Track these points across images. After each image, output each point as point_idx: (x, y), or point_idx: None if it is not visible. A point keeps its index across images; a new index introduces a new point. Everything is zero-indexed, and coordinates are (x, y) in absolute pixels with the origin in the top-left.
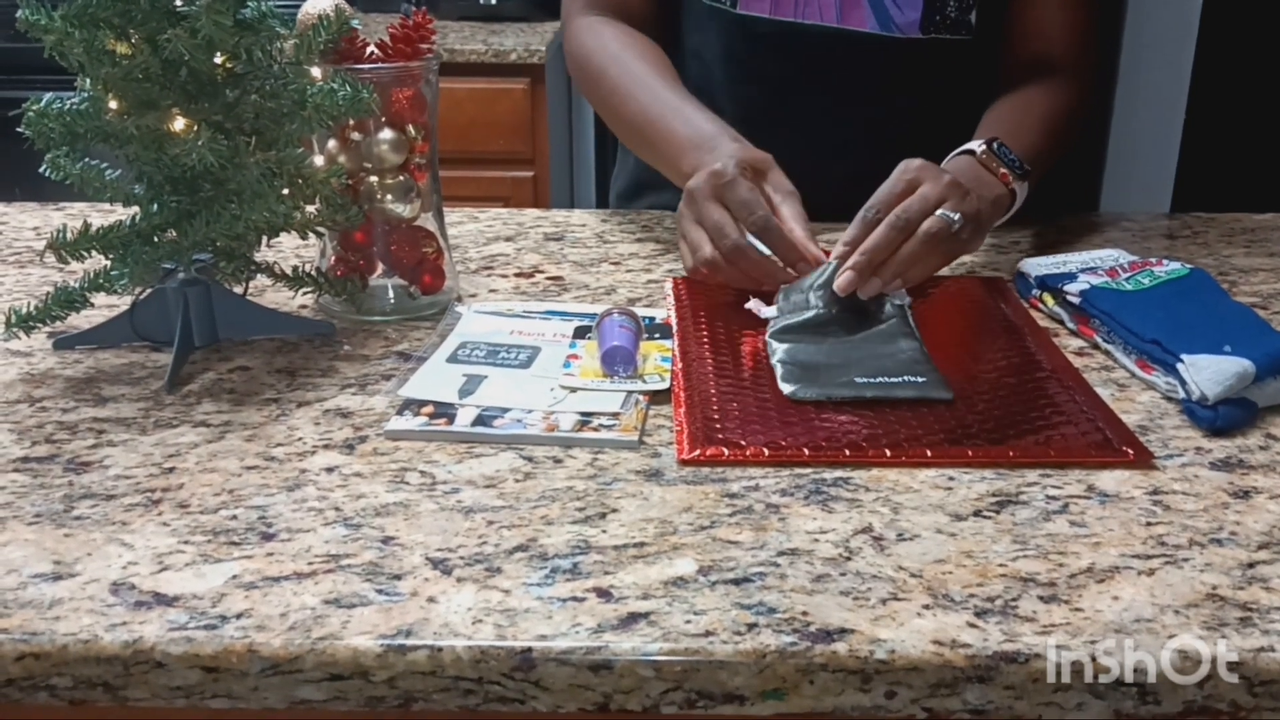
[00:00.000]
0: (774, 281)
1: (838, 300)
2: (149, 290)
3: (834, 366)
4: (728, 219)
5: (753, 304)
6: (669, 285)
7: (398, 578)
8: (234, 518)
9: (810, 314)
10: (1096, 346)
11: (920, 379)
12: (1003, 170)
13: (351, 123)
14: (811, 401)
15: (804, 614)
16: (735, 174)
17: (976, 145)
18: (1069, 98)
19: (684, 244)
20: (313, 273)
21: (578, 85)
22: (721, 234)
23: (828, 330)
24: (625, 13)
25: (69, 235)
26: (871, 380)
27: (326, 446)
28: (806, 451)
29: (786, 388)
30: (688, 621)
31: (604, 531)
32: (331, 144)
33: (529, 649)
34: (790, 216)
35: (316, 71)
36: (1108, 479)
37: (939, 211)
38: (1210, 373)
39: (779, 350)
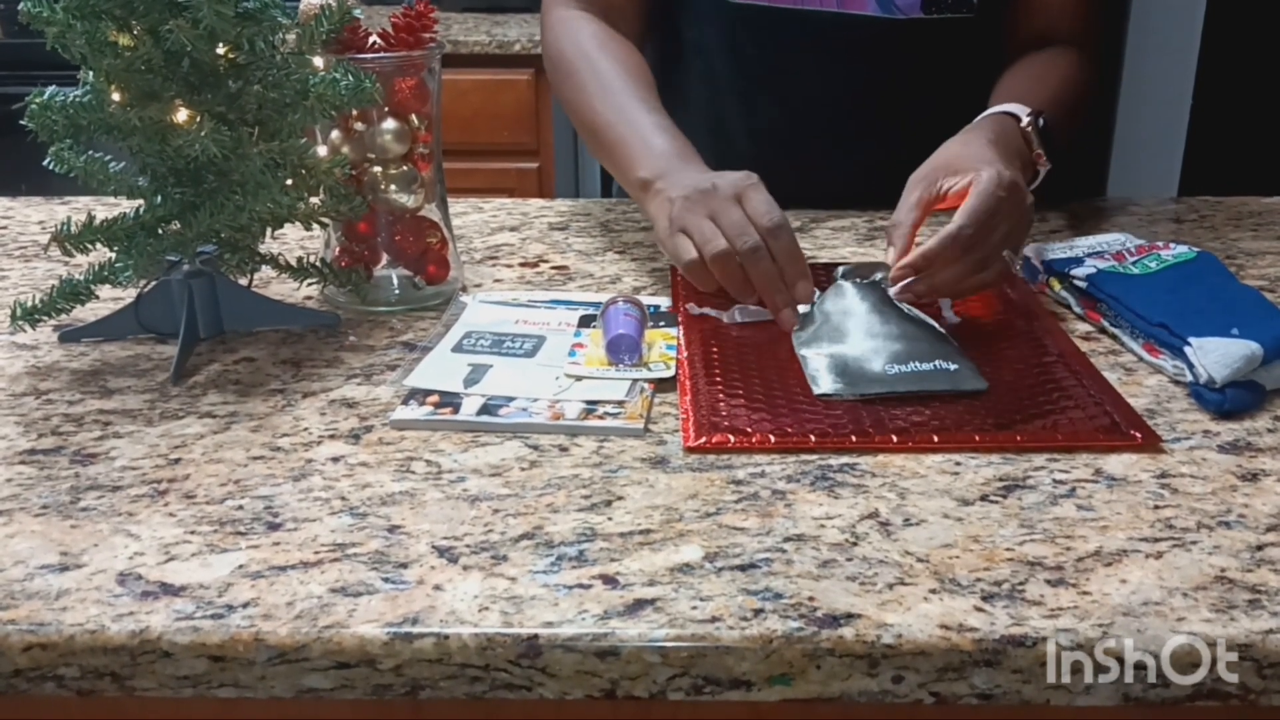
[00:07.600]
0: (773, 296)
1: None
2: (154, 282)
3: (861, 358)
4: (746, 218)
5: (728, 314)
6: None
7: (404, 566)
8: (240, 508)
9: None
10: (1103, 330)
11: (952, 366)
12: (1038, 151)
13: (354, 113)
14: (845, 399)
15: (810, 599)
16: (758, 181)
17: (1024, 114)
18: (1077, 71)
19: (681, 237)
20: (317, 264)
21: (550, 81)
22: (742, 231)
23: (848, 325)
24: (605, 7)
25: (73, 228)
26: (903, 369)
27: (332, 436)
28: (812, 438)
29: (818, 388)
30: (694, 608)
31: (610, 519)
32: (335, 134)
33: (535, 636)
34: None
35: (319, 61)
36: (1115, 462)
37: (1005, 252)
38: (1218, 355)
39: (805, 351)
